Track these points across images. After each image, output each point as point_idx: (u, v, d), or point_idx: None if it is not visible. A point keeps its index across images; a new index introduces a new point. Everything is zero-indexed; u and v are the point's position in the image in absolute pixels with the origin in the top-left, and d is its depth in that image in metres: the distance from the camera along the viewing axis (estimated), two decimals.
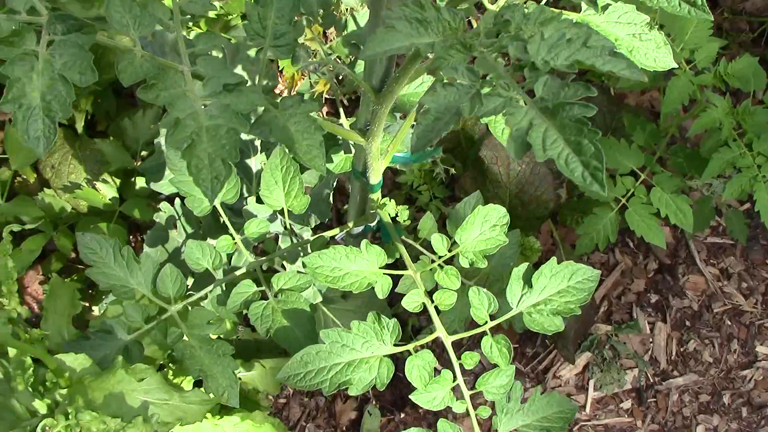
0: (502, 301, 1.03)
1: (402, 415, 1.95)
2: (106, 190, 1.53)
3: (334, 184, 1.41)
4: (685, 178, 1.65)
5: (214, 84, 0.70)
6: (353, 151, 1.25)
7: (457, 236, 1.02)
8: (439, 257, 1.04)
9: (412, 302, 1.02)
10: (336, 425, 1.94)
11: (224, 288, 1.12)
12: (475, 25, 0.55)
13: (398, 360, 1.10)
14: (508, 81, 0.48)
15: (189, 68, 0.73)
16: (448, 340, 1.02)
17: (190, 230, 1.35)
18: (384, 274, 1.02)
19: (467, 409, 1.02)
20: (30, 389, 0.87)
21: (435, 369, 1.04)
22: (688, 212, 1.58)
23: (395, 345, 0.99)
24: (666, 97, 1.47)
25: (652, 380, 1.98)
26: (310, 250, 1.16)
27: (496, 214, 1.03)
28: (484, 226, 1.02)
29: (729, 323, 2.02)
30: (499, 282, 1.26)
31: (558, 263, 1.04)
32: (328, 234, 1.16)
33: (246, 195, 1.45)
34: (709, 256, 2.05)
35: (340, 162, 1.20)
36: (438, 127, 0.49)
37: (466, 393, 1.02)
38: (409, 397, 1.01)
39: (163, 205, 1.30)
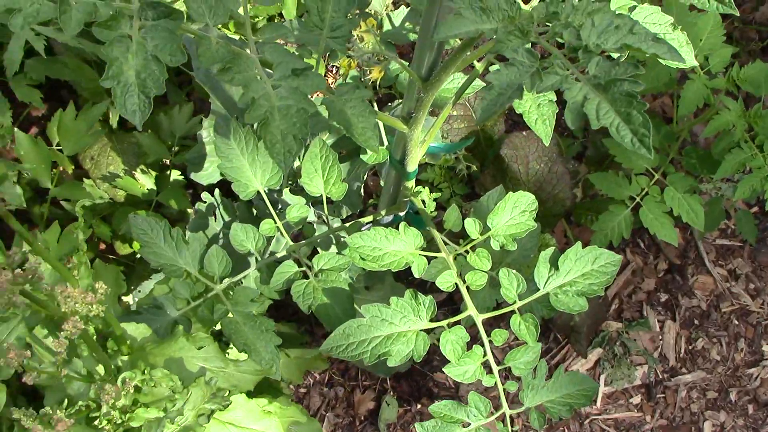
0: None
1: (419, 406, 2.01)
2: (144, 180, 1.60)
3: (365, 177, 1.48)
4: (695, 180, 1.71)
5: (283, 69, 0.78)
6: (386, 143, 1.32)
7: (489, 221, 1.09)
8: (469, 241, 1.11)
9: (445, 282, 1.09)
10: (354, 415, 2.00)
11: (266, 269, 1.19)
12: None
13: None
14: (564, 62, 0.55)
15: (257, 55, 0.81)
16: (478, 318, 1.08)
17: (227, 218, 1.42)
18: (419, 255, 1.09)
19: (496, 383, 1.09)
20: (93, 355, 0.94)
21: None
22: (699, 212, 1.65)
23: (430, 321, 1.05)
24: (682, 100, 1.54)
25: (661, 377, 2.04)
26: (345, 235, 1.23)
27: (526, 200, 1.10)
28: (514, 212, 1.09)
29: (736, 323, 2.08)
30: (519, 273, 1.33)
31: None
32: (363, 220, 1.23)
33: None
34: (717, 258, 2.12)
35: (374, 154, 1.27)
36: (501, 101, 0.56)
37: (495, 368, 1.09)
38: (443, 369, 1.07)
39: (205, 195, 1.37)
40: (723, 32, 1.54)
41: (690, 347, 2.07)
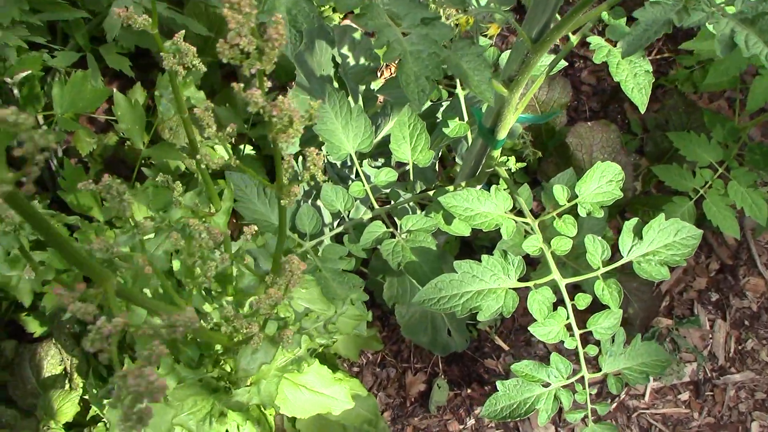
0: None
1: (468, 391, 2.04)
2: (223, 151, 1.65)
3: (440, 153, 1.52)
4: (758, 176, 1.74)
5: (412, 18, 0.82)
6: (466, 118, 1.36)
7: (577, 188, 1.13)
8: (555, 208, 1.15)
9: (531, 246, 1.13)
10: (405, 396, 2.03)
11: (352, 229, 1.23)
12: None
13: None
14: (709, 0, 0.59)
15: (384, 6, 0.85)
16: (562, 283, 1.12)
17: (306, 186, 1.47)
18: (508, 218, 1.13)
19: (577, 347, 1.12)
20: (202, 294, 0.99)
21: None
22: (762, 206, 1.68)
23: (518, 281, 1.09)
24: (751, 95, 1.57)
25: (710, 375, 2.06)
26: (425, 203, 1.27)
27: (612, 170, 1.13)
28: (601, 181, 1.13)
29: None
30: (585, 253, 1.36)
31: None
32: (448, 188, 1.27)
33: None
34: None
35: (456, 128, 1.32)
36: (647, 36, 0.60)
37: (576, 331, 1.12)
38: (528, 328, 1.11)
39: (291, 161, 1.42)
40: None
41: (740, 347, 2.09)
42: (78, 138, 1.62)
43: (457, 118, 1.34)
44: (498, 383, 1.12)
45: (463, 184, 1.34)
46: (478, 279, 1.06)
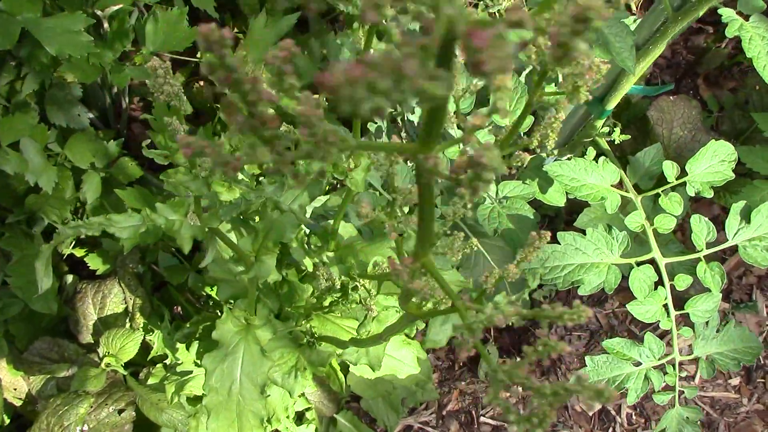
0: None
1: (518, 359, 2.02)
2: None
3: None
4: None
5: None
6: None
7: (688, 166, 1.09)
8: (661, 185, 1.12)
9: (633, 222, 1.09)
10: (454, 360, 2.03)
11: (446, 191, 1.20)
12: None
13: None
14: None
15: None
16: (662, 262, 1.09)
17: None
18: (613, 191, 1.09)
19: (671, 328, 1.09)
20: (303, 247, 0.97)
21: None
22: None
23: (621, 257, 1.06)
24: None
25: (762, 362, 2.03)
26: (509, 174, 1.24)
27: (725, 150, 1.09)
28: (713, 160, 1.09)
29: None
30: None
31: None
32: (543, 155, 1.23)
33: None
34: None
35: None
36: None
37: (673, 312, 1.10)
38: (626, 306, 1.08)
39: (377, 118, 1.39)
40: None
41: None
42: None
43: (553, 84, 1.30)
44: (587, 358, 1.10)
45: (555, 152, 1.30)
46: (581, 252, 1.03)
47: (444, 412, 1.98)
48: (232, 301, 1.60)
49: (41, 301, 1.55)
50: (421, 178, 0.37)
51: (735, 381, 2.02)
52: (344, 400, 1.96)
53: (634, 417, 1.95)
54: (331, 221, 0.98)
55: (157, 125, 1.30)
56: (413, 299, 0.56)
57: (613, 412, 1.95)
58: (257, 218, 0.81)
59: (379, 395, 1.81)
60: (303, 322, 1.07)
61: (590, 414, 1.96)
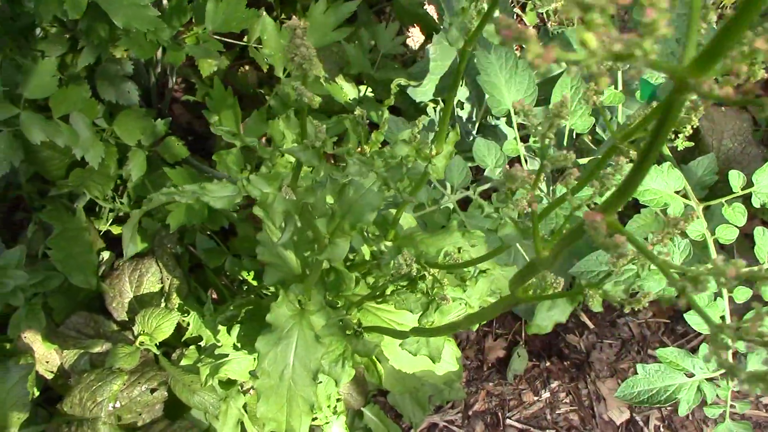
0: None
1: (548, 363, 2.01)
2: (349, 90, 1.61)
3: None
4: None
5: None
6: (621, 86, 1.30)
7: (754, 177, 1.07)
8: (725, 195, 1.10)
9: (694, 231, 1.07)
10: (483, 360, 2.01)
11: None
12: None
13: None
14: None
15: None
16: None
17: None
18: (677, 198, 1.07)
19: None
20: (363, 235, 0.96)
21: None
22: None
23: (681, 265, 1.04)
24: None
25: None
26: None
27: None
28: None
29: None
30: None
31: None
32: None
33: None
34: None
35: (610, 96, 1.25)
36: None
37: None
38: (683, 315, 1.06)
39: (429, 109, 1.38)
40: None
41: None
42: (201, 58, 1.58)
43: (612, 86, 1.28)
44: (638, 366, 1.08)
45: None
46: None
47: (470, 412, 1.96)
48: (273, 287, 1.59)
49: (81, 276, 1.55)
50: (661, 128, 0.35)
51: (767, 400, 2.00)
52: (371, 393, 1.95)
53: (662, 429, 1.93)
54: (393, 210, 0.97)
55: (214, 105, 1.29)
56: (526, 282, 0.55)
57: (641, 423, 1.93)
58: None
59: (406, 391, 1.79)
60: (354, 311, 1.06)
61: (618, 423, 1.94)
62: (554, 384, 1.98)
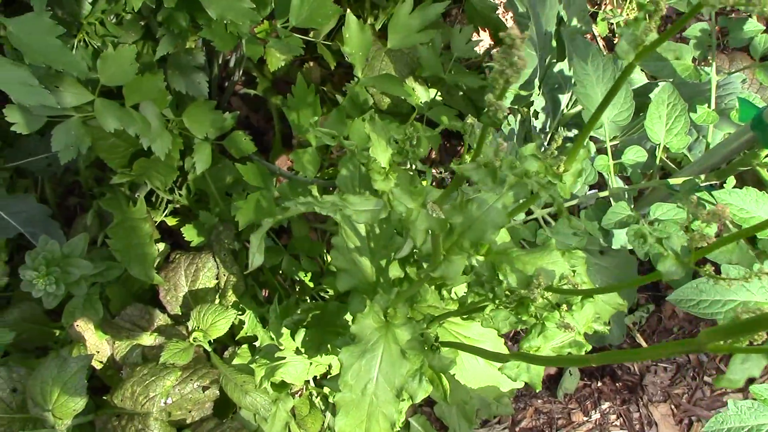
0: None
1: (599, 384, 1.96)
2: (421, 93, 1.57)
3: None
4: None
5: None
6: (714, 105, 1.24)
7: None
8: None
9: None
10: None
11: (593, 208, 1.14)
12: None
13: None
14: None
15: None
16: None
17: (518, 148, 1.38)
18: None
19: None
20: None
21: None
22: None
23: None
24: None
25: None
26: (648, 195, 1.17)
27: None
28: None
29: None
30: None
31: None
32: (697, 179, 1.16)
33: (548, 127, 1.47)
34: None
35: (703, 115, 1.20)
36: None
37: None
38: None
39: (510, 119, 1.33)
40: None
41: None
42: (271, 52, 1.55)
43: (706, 105, 1.23)
44: (730, 402, 1.03)
45: (702, 177, 1.23)
46: (745, 289, 0.96)
47: (517, 429, 1.92)
48: (334, 292, 1.55)
49: (139, 267, 1.52)
50: None
51: None
52: (419, 404, 1.91)
53: None
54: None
55: (294, 102, 1.26)
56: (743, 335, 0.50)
57: None
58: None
59: (454, 403, 1.75)
60: (436, 326, 1.02)
61: None
62: (605, 405, 1.93)
